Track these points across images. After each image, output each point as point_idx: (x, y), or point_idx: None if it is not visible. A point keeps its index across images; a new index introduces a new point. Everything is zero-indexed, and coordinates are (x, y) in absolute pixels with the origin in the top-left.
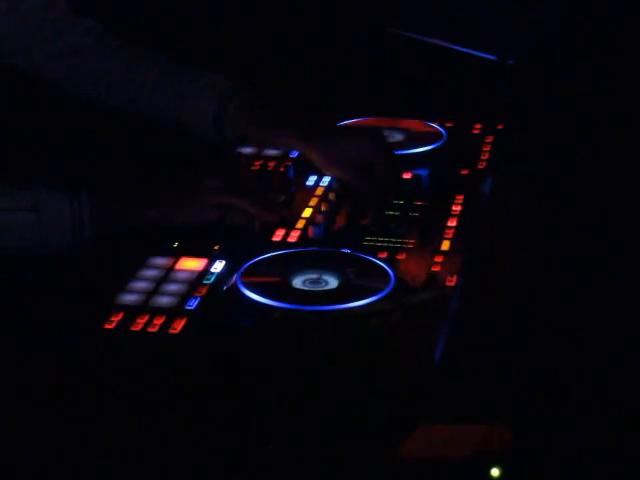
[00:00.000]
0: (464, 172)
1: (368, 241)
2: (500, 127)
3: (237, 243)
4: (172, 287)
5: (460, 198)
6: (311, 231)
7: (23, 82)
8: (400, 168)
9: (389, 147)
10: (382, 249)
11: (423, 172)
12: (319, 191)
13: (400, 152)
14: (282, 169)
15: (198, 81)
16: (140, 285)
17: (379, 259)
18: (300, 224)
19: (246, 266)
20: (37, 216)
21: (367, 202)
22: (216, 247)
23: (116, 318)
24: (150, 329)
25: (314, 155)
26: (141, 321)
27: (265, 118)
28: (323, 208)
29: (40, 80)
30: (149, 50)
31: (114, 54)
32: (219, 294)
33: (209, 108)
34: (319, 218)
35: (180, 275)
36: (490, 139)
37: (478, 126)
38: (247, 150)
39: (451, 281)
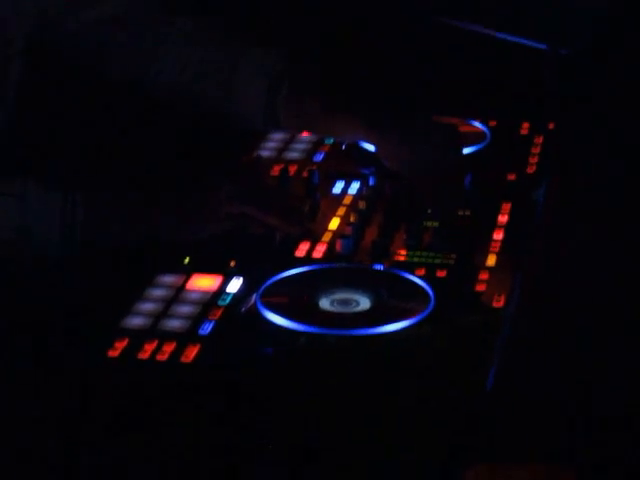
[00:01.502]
0: (511, 177)
1: (404, 256)
2: (551, 126)
3: (256, 259)
4: (183, 309)
5: (507, 207)
6: (339, 245)
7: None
8: (464, 179)
9: (460, 155)
10: (420, 265)
11: (465, 178)
12: (347, 199)
13: None
14: (305, 174)
15: (244, 62)
16: (147, 307)
17: (417, 277)
18: (327, 237)
19: (266, 285)
20: (23, 205)
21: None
22: (232, 263)
23: (120, 344)
24: (159, 357)
25: (378, 146)
26: (149, 348)
27: (322, 103)
28: (352, 219)
29: (67, 57)
30: (188, 19)
31: (153, 25)
32: (236, 317)
33: (259, 97)
34: (348, 230)
35: (192, 295)
36: (540, 140)
37: (526, 125)
38: (266, 153)
39: (498, 301)
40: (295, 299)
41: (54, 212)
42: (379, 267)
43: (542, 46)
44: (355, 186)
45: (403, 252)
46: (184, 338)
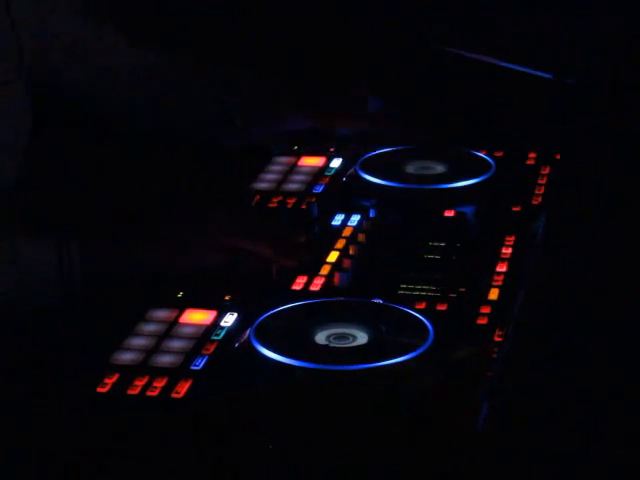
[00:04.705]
0: (516, 209)
1: (404, 289)
2: (558, 157)
3: (251, 293)
4: (175, 344)
5: (511, 239)
6: (337, 278)
7: None
8: None
9: None
10: (420, 299)
11: (468, 209)
12: (347, 231)
13: (442, 186)
14: (304, 206)
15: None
16: (138, 342)
17: (416, 310)
18: (324, 270)
19: (261, 319)
20: (17, 268)
21: None
22: (227, 297)
23: (110, 380)
24: (150, 393)
25: None
26: (139, 383)
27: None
28: (351, 251)
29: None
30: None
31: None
32: (230, 352)
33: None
34: (347, 263)
35: (185, 330)
36: (546, 170)
37: (532, 155)
38: (264, 185)
39: (500, 335)
40: (290, 334)
41: (50, 264)
42: (378, 301)
43: (548, 76)
44: (355, 218)
45: (403, 285)
46: (176, 373)
